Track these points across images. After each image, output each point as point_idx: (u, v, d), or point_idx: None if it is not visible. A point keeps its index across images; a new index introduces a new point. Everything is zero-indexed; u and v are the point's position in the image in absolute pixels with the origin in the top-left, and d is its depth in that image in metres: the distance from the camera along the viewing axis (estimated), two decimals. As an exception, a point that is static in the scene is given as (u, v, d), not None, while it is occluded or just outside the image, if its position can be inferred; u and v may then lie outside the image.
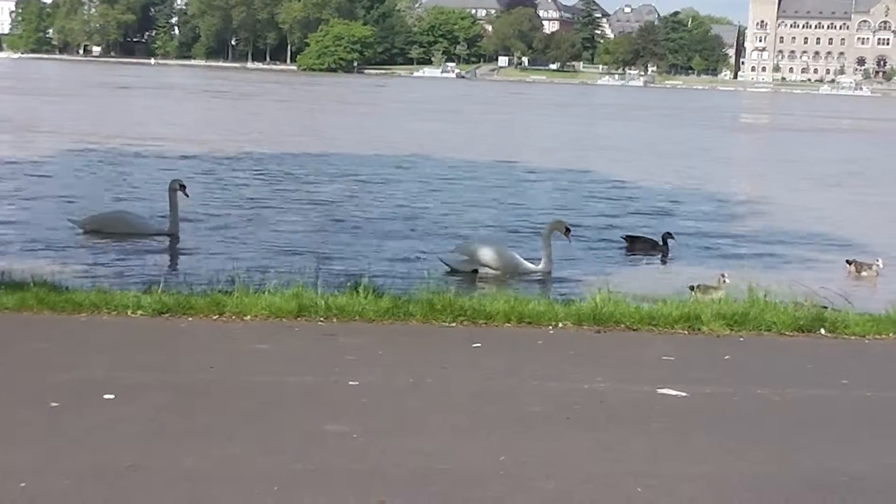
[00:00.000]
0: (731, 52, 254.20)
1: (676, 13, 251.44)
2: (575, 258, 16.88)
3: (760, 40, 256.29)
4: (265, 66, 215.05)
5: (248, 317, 8.97)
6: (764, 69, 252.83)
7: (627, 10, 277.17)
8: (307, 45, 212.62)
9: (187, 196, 17.65)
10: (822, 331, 9.39)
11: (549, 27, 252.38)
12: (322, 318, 9.01)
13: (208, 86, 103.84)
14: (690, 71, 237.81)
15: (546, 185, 29.26)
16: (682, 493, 5.59)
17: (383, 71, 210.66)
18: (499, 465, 5.86)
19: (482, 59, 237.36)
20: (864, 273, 16.07)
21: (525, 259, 15.70)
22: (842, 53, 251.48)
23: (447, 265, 15.56)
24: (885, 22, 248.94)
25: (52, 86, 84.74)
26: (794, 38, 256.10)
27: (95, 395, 6.78)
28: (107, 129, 42.05)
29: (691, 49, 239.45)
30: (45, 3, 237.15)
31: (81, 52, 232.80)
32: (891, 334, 9.39)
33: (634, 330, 9.17)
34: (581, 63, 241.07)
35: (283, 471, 5.64)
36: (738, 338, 9.09)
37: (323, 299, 9.25)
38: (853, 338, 9.29)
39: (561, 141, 51.95)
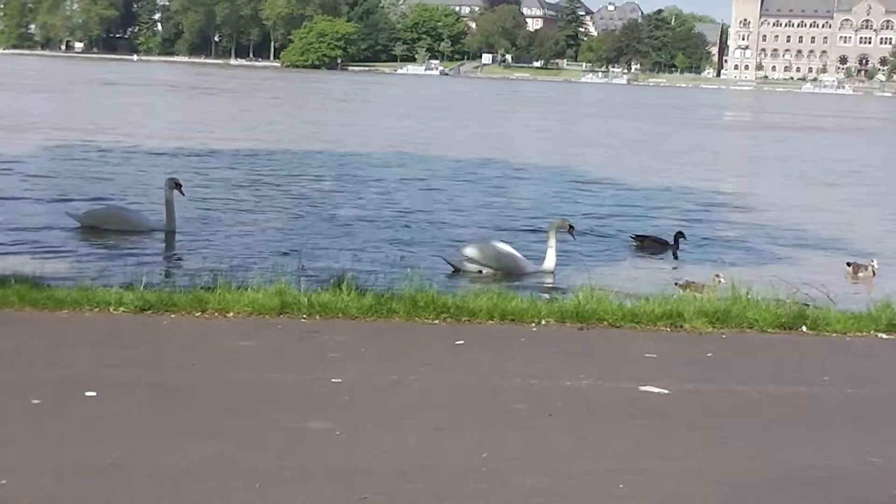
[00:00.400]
0: (714, 50, 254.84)
1: (660, 11, 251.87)
2: (580, 257, 16.89)
3: (743, 38, 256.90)
4: (248, 63, 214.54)
5: (231, 314, 8.96)
6: (747, 67, 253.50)
7: (611, 7, 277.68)
8: (290, 41, 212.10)
9: (182, 194, 17.62)
10: (804, 328, 9.44)
11: (533, 24, 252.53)
12: (305, 316, 9.01)
13: (193, 82, 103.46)
14: (673, 69, 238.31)
15: (535, 184, 29.19)
16: (664, 490, 5.61)
17: (367, 68, 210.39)
18: (481, 461, 5.87)
19: (466, 57, 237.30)
20: (860, 274, 16.04)
21: (526, 258, 15.74)
22: (824, 52, 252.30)
23: (450, 265, 15.60)
24: (867, 21, 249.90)
25: (35, 82, 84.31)
26: (776, 36, 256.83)
27: (77, 392, 6.76)
28: (94, 125, 41.84)
29: (674, 47, 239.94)
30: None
31: (64, 48, 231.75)
32: (871, 332, 9.45)
33: (617, 327, 9.20)
34: (565, 61, 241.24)
35: (265, 468, 5.64)
36: (720, 335, 9.13)
37: (306, 296, 9.25)
38: (834, 335, 9.34)
39: (550, 138, 51.98)
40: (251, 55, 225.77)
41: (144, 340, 8.12)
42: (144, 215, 18.11)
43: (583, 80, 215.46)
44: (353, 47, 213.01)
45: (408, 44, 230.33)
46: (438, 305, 9.23)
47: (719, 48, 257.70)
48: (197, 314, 8.94)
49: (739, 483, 5.77)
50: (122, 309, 8.90)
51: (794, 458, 6.20)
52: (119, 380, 7.05)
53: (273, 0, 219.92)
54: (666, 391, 7.37)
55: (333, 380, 7.25)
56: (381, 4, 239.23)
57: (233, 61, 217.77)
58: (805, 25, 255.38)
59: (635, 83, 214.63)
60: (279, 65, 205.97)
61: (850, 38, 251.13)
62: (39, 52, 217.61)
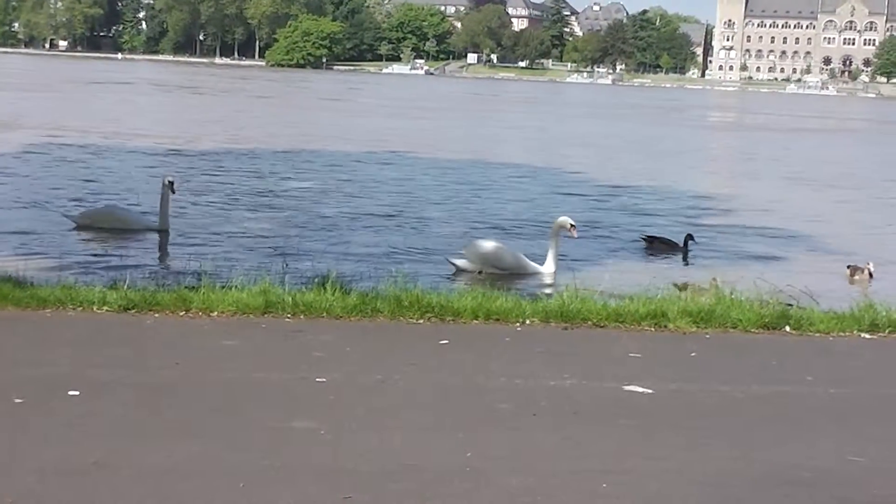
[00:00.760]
0: (699, 50, 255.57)
1: (645, 11, 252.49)
2: (585, 257, 16.89)
3: (728, 39, 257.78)
4: (233, 62, 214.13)
5: (215, 313, 8.94)
6: (731, 68, 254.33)
7: (596, 8, 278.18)
8: (275, 40, 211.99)
9: (174, 192, 17.60)
10: (787, 328, 9.46)
11: (518, 24, 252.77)
12: (289, 315, 8.99)
13: (181, 81, 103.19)
14: (658, 69, 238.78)
15: (526, 184, 29.16)
16: (648, 489, 5.62)
17: (352, 67, 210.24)
18: (465, 461, 5.87)
19: (451, 56, 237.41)
20: (856, 277, 15.99)
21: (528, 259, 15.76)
22: (808, 53, 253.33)
23: (453, 265, 15.61)
24: (851, 22, 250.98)
25: (20, 81, 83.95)
26: (761, 37, 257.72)
27: (60, 391, 6.73)
28: (82, 124, 41.71)
29: (659, 47, 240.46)
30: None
31: (48, 46, 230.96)
32: (854, 332, 9.48)
33: (601, 327, 9.21)
34: (550, 60, 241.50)
35: (249, 467, 5.63)
36: (703, 335, 9.15)
37: (290, 296, 9.23)
38: (817, 335, 9.37)
39: (540, 138, 52.03)
40: (236, 54, 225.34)
41: (128, 340, 8.10)
42: (138, 214, 18.13)
43: (568, 80, 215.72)
44: (339, 46, 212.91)
45: (393, 43, 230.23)
46: (423, 305, 9.22)
47: (704, 49, 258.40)
48: (181, 313, 8.92)
49: (723, 483, 5.78)
50: (105, 308, 8.87)
51: (777, 458, 6.21)
52: (102, 379, 7.03)
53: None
54: (650, 391, 7.38)
55: (318, 379, 7.25)
56: (366, 4, 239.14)
57: (217, 60, 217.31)
58: (789, 26, 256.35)
59: (620, 83, 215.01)
60: (264, 64, 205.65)
61: (833, 39, 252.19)
62: (23, 50, 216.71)
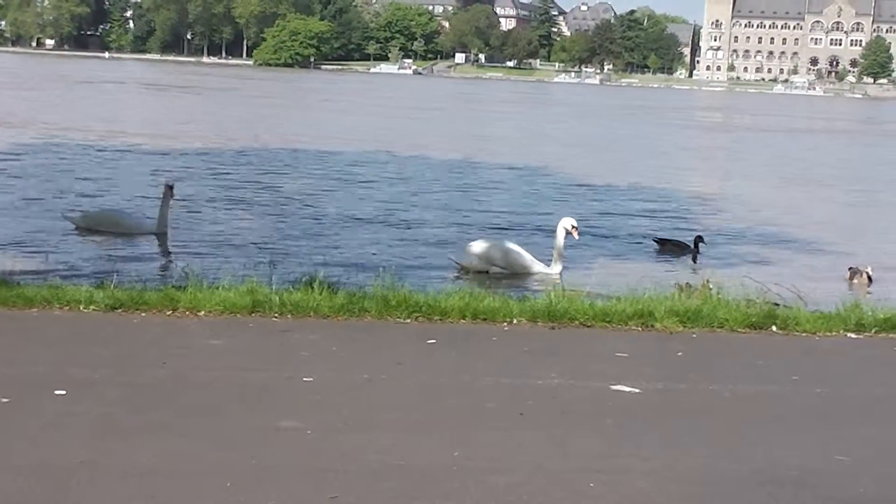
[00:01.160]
0: (687, 50, 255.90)
1: (632, 12, 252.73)
2: (591, 258, 16.89)
3: (715, 39, 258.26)
4: (221, 61, 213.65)
5: (202, 312, 8.92)
6: (719, 68, 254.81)
7: (584, 8, 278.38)
8: (263, 39, 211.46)
9: (172, 196, 17.59)
10: (774, 328, 9.49)
11: (506, 24, 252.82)
12: (276, 314, 8.98)
13: (171, 81, 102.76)
14: (646, 69, 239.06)
15: (517, 184, 29.18)
16: (634, 488, 5.63)
17: (340, 67, 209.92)
18: (452, 460, 5.87)
19: (439, 56, 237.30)
20: (855, 280, 15.94)
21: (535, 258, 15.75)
22: (795, 53, 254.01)
23: (458, 264, 15.61)
24: (838, 23, 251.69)
25: (7, 80, 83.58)
26: (748, 37, 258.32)
27: (46, 390, 6.72)
28: (76, 123, 41.64)
29: (647, 47, 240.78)
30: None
31: (35, 44, 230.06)
32: (840, 331, 9.50)
33: (588, 326, 9.22)
34: (538, 60, 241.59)
35: (236, 467, 5.62)
36: (690, 334, 9.16)
37: (277, 295, 9.22)
38: (804, 335, 9.39)
39: (530, 138, 52.04)
40: (224, 53, 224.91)
41: (114, 339, 8.08)
42: (138, 218, 18.15)
43: (556, 80, 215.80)
44: (327, 46, 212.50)
45: (381, 43, 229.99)
46: (410, 305, 9.22)
47: (691, 49, 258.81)
48: (168, 313, 8.90)
49: (709, 482, 5.80)
50: (92, 307, 8.85)
51: (763, 457, 6.23)
52: (89, 378, 7.01)
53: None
54: (637, 390, 7.39)
55: (305, 379, 7.24)
56: (354, 3, 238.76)
57: (205, 59, 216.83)
58: (776, 27, 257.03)
59: (608, 83, 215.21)
60: (252, 63, 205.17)
61: (820, 39, 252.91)
62: (10, 48, 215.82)
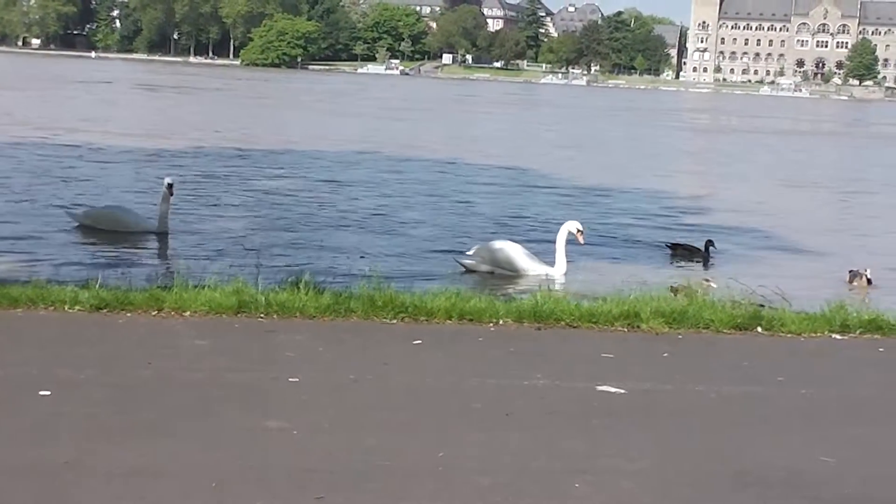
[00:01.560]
0: (674, 52, 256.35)
1: (620, 13, 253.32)
2: (589, 260, 16.89)
3: (702, 41, 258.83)
4: (208, 61, 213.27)
5: (188, 313, 8.90)
6: (705, 70, 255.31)
7: (571, 9, 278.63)
8: (250, 39, 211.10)
9: (171, 194, 17.56)
10: (759, 329, 9.51)
11: (494, 25, 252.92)
12: (262, 315, 8.97)
13: (162, 81, 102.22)
14: (633, 70, 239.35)
15: (509, 185, 29.16)
16: (620, 489, 5.64)
17: (327, 67, 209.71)
18: (438, 460, 5.87)
19: (426, 57, 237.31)
20: (854, 283, 15.84)
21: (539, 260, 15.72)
22: (781, 55, 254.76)
23: (462, 266, 15.60)
24: (824, 25, 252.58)
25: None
26: (734, 39, 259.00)
27: (31, 391, 6.69)
28: (69, 123, 41.49)
29: (634, 49, 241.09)
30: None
31: (21, 44, 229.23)
32: (825, 332, 9.53)
33: (574, 327, 9.22)
34: (525, 61, 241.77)
35: (222, 467, 5.61)
36: (676, 335, 9.18)
37: (263, 295, 9.21)
38: (789, 336, 9.41)
39: (518, 140, 51.98)
40: (210, 53, 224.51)
41: (100, 339, 8.06)
42: (139, 216, 18.06)
43: (543, 81, 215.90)
44: (314, 46, 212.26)
45: (368, 43, 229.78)
46: (396, 305, 9.22)
47: (678, 50, 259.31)
48: (153, 313, 8.88)
49: (695, 482, 5.81)
50: (77, 307, 8.81)
51: (749, 458, 6.24)
52: (74, 379, 6.99)
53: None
54: (623, 391, 7.40)
55: (291, 379, 7.23)
56: (341, 3, 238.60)
57: (192, 59, 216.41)
58: (763, 29, 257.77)
59: (595, 84, 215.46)
60: (239, 63, 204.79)
61: (806, 41, 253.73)
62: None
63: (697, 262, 17.82)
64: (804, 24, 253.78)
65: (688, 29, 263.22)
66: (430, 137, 47.84)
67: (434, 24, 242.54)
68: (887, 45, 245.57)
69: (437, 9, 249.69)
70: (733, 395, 7.50)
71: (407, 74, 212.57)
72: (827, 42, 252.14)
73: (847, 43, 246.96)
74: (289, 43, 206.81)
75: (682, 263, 17.66)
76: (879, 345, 9.32)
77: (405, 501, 5.33)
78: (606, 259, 17.63)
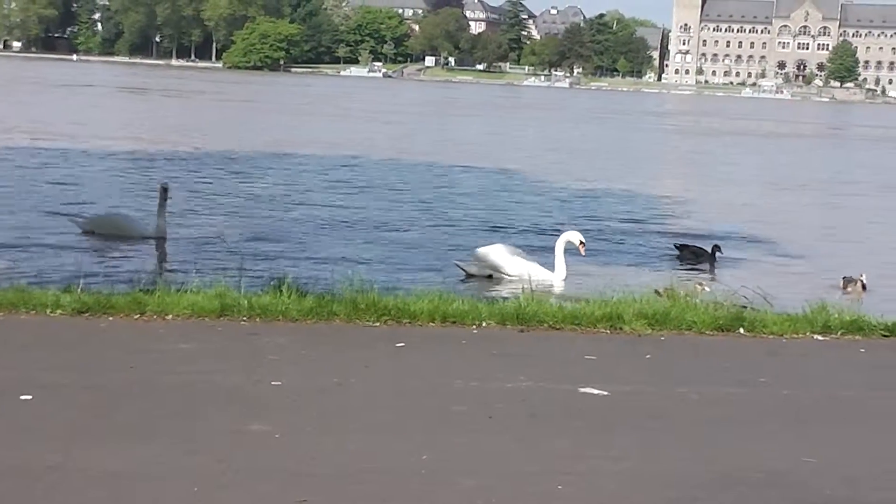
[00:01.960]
0: (656, 54, 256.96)
1: (602, 15, 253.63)
2: (590, 263, 16.90)
3: (684, 43, 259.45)
4: (190, 64, 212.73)
5: (170, 316, 8.87)
6: (687, 72, 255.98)
7: (553, 11, 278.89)
8: (232, 42, 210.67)
9: (167, 198, 17.55)
10: (741, 330, 9.53)
11: (476, 28, 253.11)
12: (245, 318, 8.95)
13: (146, 84, 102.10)
14: (615, 73, 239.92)
15: (499, 189, 29.16)
16: (603, 491, 5.65)
17: (310, 69, 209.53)
18: (421, 463, 5.87)
19: (409, 59, 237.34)
20: (849, 288, 15.79)
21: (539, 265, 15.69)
22: (763, 57, 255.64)
23: (462, 270, 15.57)
24: (805, 27, 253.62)
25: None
26: (716, 41, 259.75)
27: (12, 395, 6.66)
28: (51, 127, 41.34)
29: (616, 51, 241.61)
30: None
31: (1, 46, 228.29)
32: (807, 333, 9.56)
33: (557, 329, 9.23)
34: (507, 64, 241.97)
35: (204, 471, 5.60)
36: (659, 337, 9.19)
37: (246, 299, 9.19)
38: (771, 337, 9.44)
39: (500, 143, 51.98)
40: (193, 56, 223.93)
41: (82, 343, 8.03)
42: (139, 222, 18.13)
43: (525, 83, 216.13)
44: (296, 49, 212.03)
45: (351, 46, 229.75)
46: (379, 308, 9.21)
47: (660, 52, 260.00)
48: (135, 316, 8.84)
49: (678, 484, 5.82)
50: (59, 311, 8.78)
51: (731, 460, 6.26)
52: (55, 382, 6.96)
53: (215, 1, 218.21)
54: (605, 393, 7.41)
55: (273, 382, 7.22)
56: (324, 6, 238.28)
57: (174, 62, 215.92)
58: (744, 31, 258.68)
59: (578, 87, 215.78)
60: (221, 66, 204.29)
61: (788, 43, 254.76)
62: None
63: (703, 265, 17.82)
64: (785, 26, 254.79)
65: (670, 31, 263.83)
66: (417, 141, 47.81)
67: (416, 27, 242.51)
68: (868, 48, 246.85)
69: (420, 11, 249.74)
70: (715, 397, 7.52)
71: (390, 77, 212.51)
72: (808, 44, 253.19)
73: (828, 45, 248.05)
74: (271, 45, 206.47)
75: (687, 266, 17.65)
76: (861, 345, 9.36)
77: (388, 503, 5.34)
78: (605, 263, 17.57)
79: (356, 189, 26.90)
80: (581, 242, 15.64)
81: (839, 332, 9.62)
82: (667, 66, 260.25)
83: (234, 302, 9.11)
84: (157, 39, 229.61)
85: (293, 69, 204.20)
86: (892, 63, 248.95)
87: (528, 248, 17.11)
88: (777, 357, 8.84)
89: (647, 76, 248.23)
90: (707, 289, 13.22)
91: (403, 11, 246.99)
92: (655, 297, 11.16)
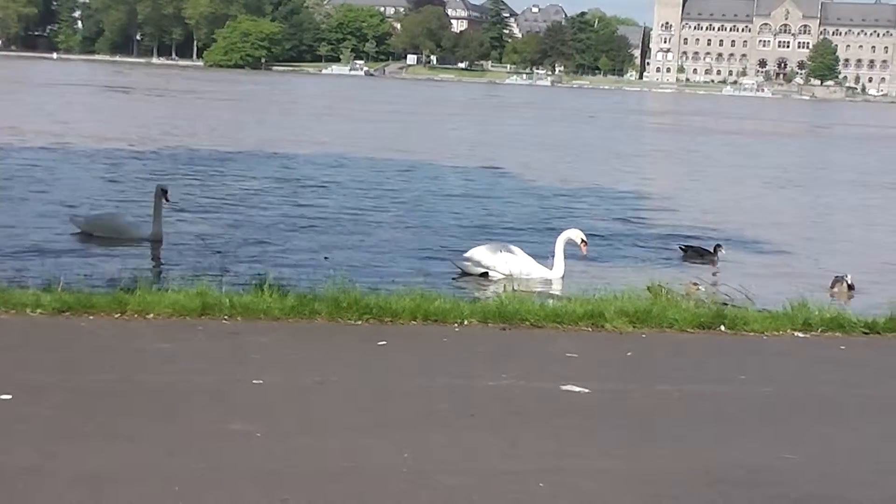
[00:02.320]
0: (637, 52, 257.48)
1: (583, 14, 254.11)
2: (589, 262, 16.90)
3: (665, 41, 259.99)
4: (171, 62, 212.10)
5: (151, 315, 8.84)
6: (668, 70, 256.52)
7: (535, 9, 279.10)
8: (214, 40, 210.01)
9: (167, 201, 17.47)
10: (723, 328, 9.57)
11: (458, 26, 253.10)
12: (226, 317, 8.92)
13: (131, 83, 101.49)
14: (597, 71, 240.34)
15: (483, 188, 29.08)
16: (584, 489, 5.66)
17: (291, 68, 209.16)
18: (402, 462, 5.87)
19: (391, 57, 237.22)
20: (835, 289, 15.70)
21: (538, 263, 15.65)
22: (744, 55, 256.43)
23: (458, 267, 15.53)
24: (786, 25, 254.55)
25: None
26: (697, 39, 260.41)
27: (-8, 395, 6.64)
28: (35, 126, 41.16)
29: (598, 49, 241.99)
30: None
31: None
32: (787, 331, 9.60)
33: (539, 327, 9.24)
34: (489, 62, 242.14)
35: (185, 471, 5.58)
36: (640, 335, 9.22)
37: (227, 297, 9.16)
38: (752, 334, 9.48)
39: (490, 142, 51.90)
40: (173, 54, 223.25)
41: (62, 343, 7.99)
42: (135, 223, 17.96)
43: (507, 81, 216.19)
44: (278, 47, 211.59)
45: (332, 44, 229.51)
46: (361, 306, 9.20)
47: (642, 51, 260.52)
48: (116, 316, 8.81)
49: (659, 481, 5.83)
50: (39, 311, 8.74)
51: (713, 457, 6.28)
52: (35, 383, 6.93)
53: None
54: (587, 390, 7.43)
55: (255, 381, 7.21)
56: (305, 4, 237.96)
57: (155, 60, 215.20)
58: (725, 29, 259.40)
59: (559, 85, 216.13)
60: (202, 64, 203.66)
61: (769, 41, 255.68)
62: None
63: (706, 264, 17.82)
64: (766, 24, 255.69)
65: (651, 29, 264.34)
66: (403, 139, 47.70)
67: (398, 25, 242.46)
68: (848, 46, 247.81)
69: (401, 9, 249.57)
70: (697, 394, 7.55)
71: (372, 75, 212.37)
72: (788, 42, 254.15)
73: (808, 43, 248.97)
74: (252, 44, 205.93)
75: (690, 265, 17.62)
76: (841, 343, 9.41)
77: (370, 503, 5.32)
78: (604, 261, 17.52)
79: (340, 187, 26.82)
80: (583, 241, 15.51)
81: (819, 330, 9.66)
82: (648, 64, 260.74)
83: (215, 301, 9.08)
84: (138, 38, 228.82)
85: (275, 68, 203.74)
86: (871, 61, 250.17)
87: (521, 245, 17.09)
88: (758, 354, 8.87)
89: (628, 74, 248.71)
90: (702, 288, 13.22)
91: (385, 9, 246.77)
92: (638, 295, 11.19)
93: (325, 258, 16.22)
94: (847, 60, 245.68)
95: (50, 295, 9.03)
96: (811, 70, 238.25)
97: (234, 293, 9.45)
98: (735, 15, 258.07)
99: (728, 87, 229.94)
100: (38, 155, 30.64)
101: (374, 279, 13.99)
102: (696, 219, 24.22)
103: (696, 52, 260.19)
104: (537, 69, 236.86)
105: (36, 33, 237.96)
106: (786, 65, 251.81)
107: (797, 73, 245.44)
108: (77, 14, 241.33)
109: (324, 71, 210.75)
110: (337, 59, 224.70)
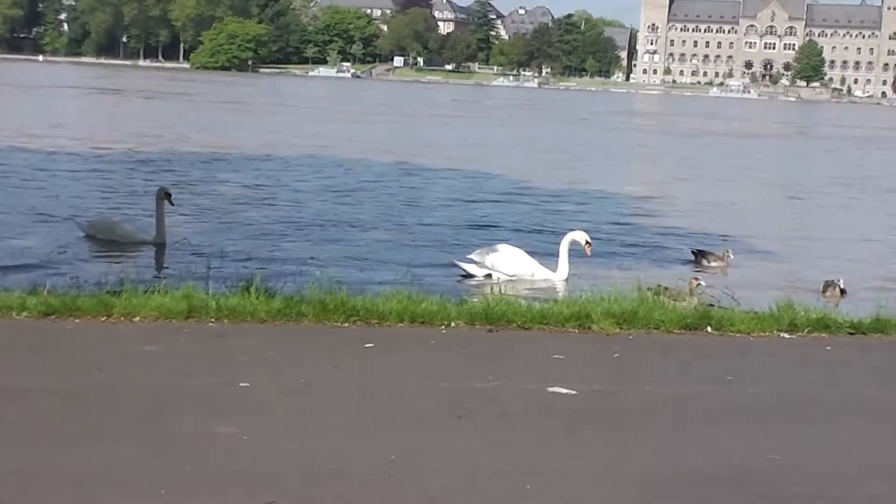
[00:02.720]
0: (624, 54, 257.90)
1: (570, 15, 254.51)
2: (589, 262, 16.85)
3: (652, 43, 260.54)
4: (157, 64, 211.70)
5: (137, 318, 8.82)
6: (655, 71, 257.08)
7: (522, 11, 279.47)
8: (200, 42, 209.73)
9: (172, 204, 17.37)
10: (709, 328, 9.58)
11: (445, 28, 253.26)
12: (213, 319, 8.91)
13: (115, 84, 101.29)
14: (584, 73, 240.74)
15: (476, 191, 29.05)
16: (571, 489, 5.67)
17: (278, 70, 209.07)
18: (389, 464, 5.87)
19: (378, 59, 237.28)
20: (827, 293, 15.49)
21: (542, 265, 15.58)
22: (730, 57, 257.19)
23: (462, 269, 15.48)
24: (772, 27, 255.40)
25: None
26: (683, 41, 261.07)
27: (-23, 399, 6.61)
28: (28, 130, 41.00)
29: (584, 51, 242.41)
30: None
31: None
32: (774, 331, 9.62)
33: (526, 329, 9.25)
34: (476, 64, 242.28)
35: (171, 474, 5.57)
36: (627, 336, 9.23)
37: (214, 300, 9.15)
38: (738, 335, 9.50)
39: (464, 143, 51.94)
40: (160, 56, 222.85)
41: (48, 346, 7.97)
42: (138, 227, 17.85)
43: (494, 83, 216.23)
44: (265, 49, 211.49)
45: (319, 46, 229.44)
46: (348, 308, 9.19)
47: (628, 52, 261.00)
48: (102, 319, 8.79)
49: (646, 482, 5.84)
50: (24, 314, 8.71)
51: (699, 457, 6.30)
52: (21, 386, 6.91)
53: (182, 1, 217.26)
54: (573, 392, 7.43)
55: (241, 384, 7.20)
56: (292, 6, 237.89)
57: (141, 62, 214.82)
58: (712, 31, 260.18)
59: (546, 87, 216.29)
60: (189, 66, 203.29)
61: (755, 43, 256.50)
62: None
63: (715, 269, 17.78)
64: (752, 26, 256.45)
65: (637, 31, 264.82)
66: (391, 141, 47.61)
67: (385, 27, 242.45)
68: (833, 47, 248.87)
69: (388, 11, 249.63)
70: (683, 395, 7.56)
71: (358, 77, 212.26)
72: (774, 44, 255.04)
73: (794, 45, 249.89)
74: (239, 46, 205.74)
75: (700, 269, 17.56)
76: (827, 343, 9.43)
77: (357, 505, 5.33)
78: (608, 264, 17.43)
79: (328, 190, 26.76)
80: (587, 243, 15.37)
81: (805, 330, 9.68)
82: (635, 66, 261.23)
83: (201, 303, 9.07)
84: (124, 40, 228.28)
85: (261, 69, 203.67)
86: (857, 63, 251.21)
87: (524, 248, 17.06)
88: (744, 355, 8.89)
89: (615, 76, 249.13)
90: (703, 283, 13.23)
91: (372, 11, 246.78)
92: (624, 297, 11.18)
93: (311, 258, 16.19)
94: (833, 62, 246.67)
95: (35, 298, 9.01)
96: (797, 71, 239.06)
97: (220, 295, 9.43)
98: (721, 17, 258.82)
99: (714, 89, 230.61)
100: (32, 158, 30.55)
101: (362, 281, 13.97)
102: (694, 221, 24.28)
103: (683, 54, 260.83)
104: (524, 71, 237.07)
105: (21, 35, 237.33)
106: (772, 66, 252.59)
107: (783, 74, 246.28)
108: (63, 16, 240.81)
109: (311, 73, 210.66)
110: (324, 61, 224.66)
